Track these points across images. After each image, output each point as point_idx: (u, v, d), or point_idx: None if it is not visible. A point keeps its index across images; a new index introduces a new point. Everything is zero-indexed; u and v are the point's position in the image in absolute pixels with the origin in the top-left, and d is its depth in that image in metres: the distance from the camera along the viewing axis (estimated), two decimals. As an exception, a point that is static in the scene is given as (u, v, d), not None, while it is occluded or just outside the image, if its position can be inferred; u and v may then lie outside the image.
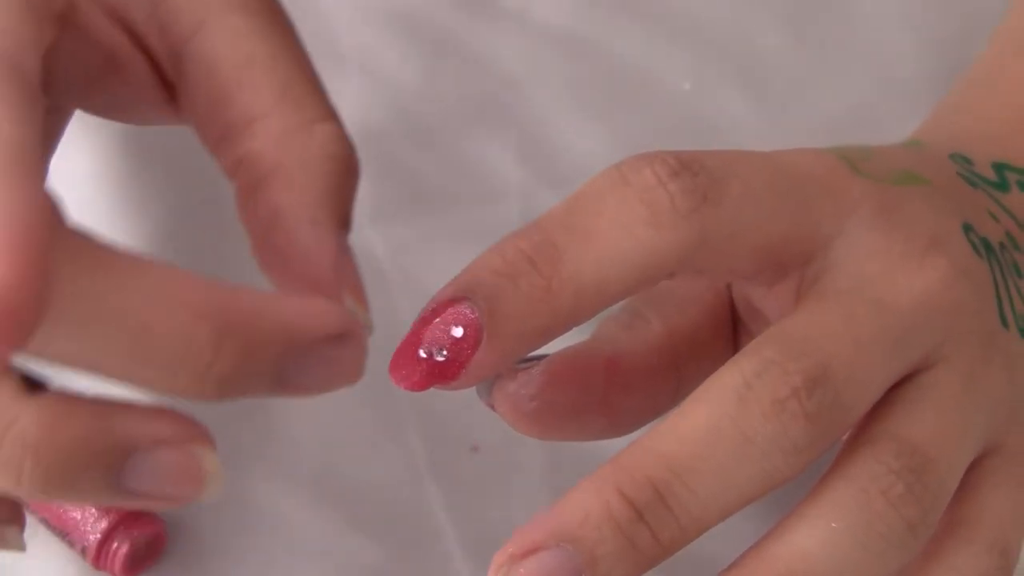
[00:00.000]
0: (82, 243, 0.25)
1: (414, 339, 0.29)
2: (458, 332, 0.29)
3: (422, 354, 0.29)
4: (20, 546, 0.28)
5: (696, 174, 0.30)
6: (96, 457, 0.25)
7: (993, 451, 0.32)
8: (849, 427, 0.29)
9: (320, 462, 0.40)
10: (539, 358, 0.32)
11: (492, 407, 0.32)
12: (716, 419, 0.28)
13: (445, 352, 0.29)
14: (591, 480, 0.28)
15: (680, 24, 0.50)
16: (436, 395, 0.41)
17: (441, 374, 0.29)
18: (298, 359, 0.26)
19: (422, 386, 0.29)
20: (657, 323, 0.35)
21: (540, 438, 0.33)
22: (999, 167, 0.38)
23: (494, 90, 0.48)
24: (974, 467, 0.31)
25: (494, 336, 0.29)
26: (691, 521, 0.27)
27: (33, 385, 0.25)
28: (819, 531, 0.28)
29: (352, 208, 0.30)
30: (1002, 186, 0.37)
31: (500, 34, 0.49)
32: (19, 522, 0.28)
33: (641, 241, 0.29)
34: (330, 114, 0.30)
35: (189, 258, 0.43)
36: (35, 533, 0.38)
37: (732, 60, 0.49)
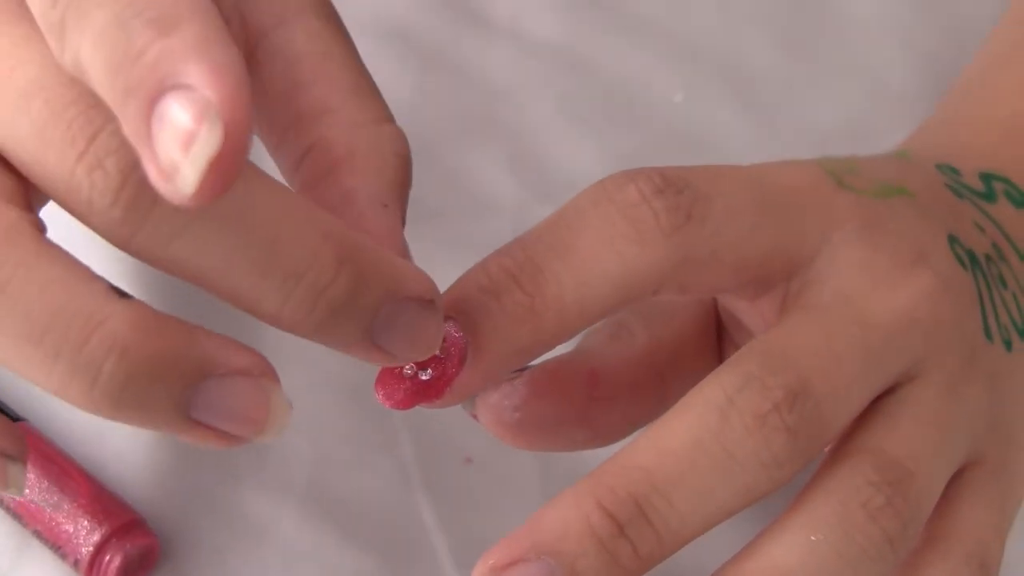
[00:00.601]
0: None
1: None
2: (443, 351, 0.29)
3: (407, 372, 0.29)
4: (20, 487, 0.27)
5: (680, 191, 0.30)
6: (176, 372, 0.25)
7: (973, 464, 0.32)
8: (830, 441, 0.29)
9: (313, 474, 0.40)
10: (522, 369, 0.32)
11: (475, 418, 0.32)
12: (698, 434, 0.28)
13: (430, 371, 0.29)
14: (572, 493, 0.28)
15: (671, 37, 0.50)
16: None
17: (425, 393, 0.29)
18: (390, 312, 0.26)
19: (406, 405, 0.29)
20: (642, 334, 0.35)
21: (523, 449, 0.33)
22: (986, 177, 0.38)
23: (486, 104, 0.48)
24: (954, 480, 0.32)
25: (478, 355, 0.29)
26: (671, 535, 0.28)
27: (120, 294, 0.25)
28: (798, 545, 0.28)
29: (407, 207, 0.30)
30: (989, 196, 0.37)
31: (492, 48, 0.49)
32: (24, 459, 0.27)
33: (624, 259, 0.29)
34: (392, 117, 0.31)
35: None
36: (28, 546, 0.38)
37: (724, 72, 0.50)
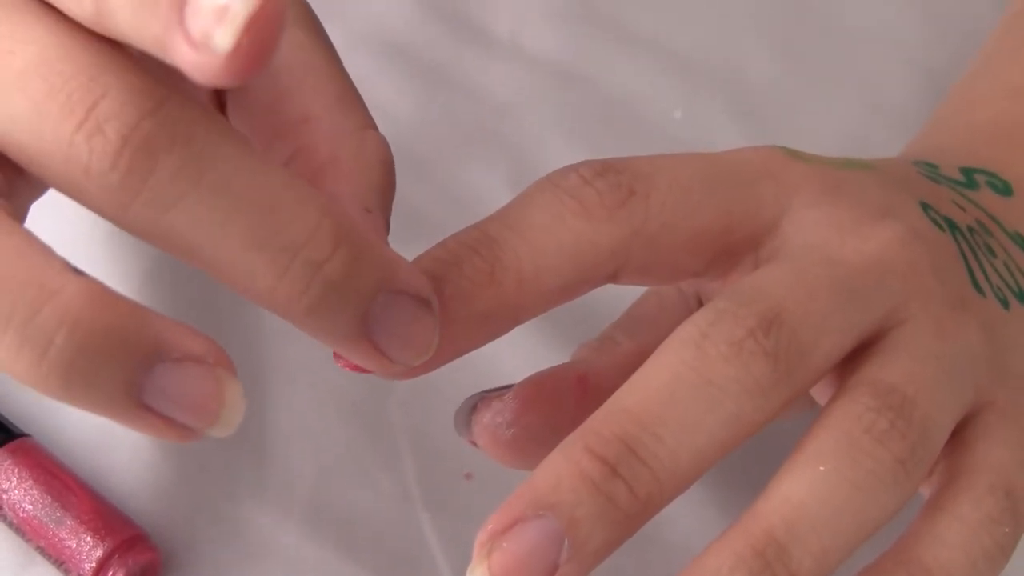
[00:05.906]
0: (229, 125, 0.26)
1: None
2: None
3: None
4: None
5: (620, 172, 0.30)
6: (128, 350, 0.24)
7: (984, 408, 0.31)
8: (815, 373, 0.29)
9: (314, 490, 0.40)
10: (509, 386, 0.33)
11: (474, 444, 0.33)
12: (675, 368, 0.28)
13: None
14: (561, 448, 0.27)
15: (671, 52, 0.50)
16: (430, 422, 0.42)
17: None
18: (385, 303, 0.26)
19: (368, 369, 0.29)
20: (627, 343, 0.36)
21: (523, 468, 0.32)
22: (967, 171, 0.38)
23: (486, 119, 0.48)
24: (968, 424, 0.31)
25: (442, 318, 0.29)
26: (665, 471, 0.27)
27: (76, 272, 0.25)
28: (807, 477, 0.28)
29: (390, 214, 0.30)
30: (970, 185, 0.37)
31: (492, 64, 0.49)
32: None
33: (574, 231, 0.30)
34: (375, 125, 0.31)
35: (187, 275, 0.43)
36: (31, 562, 0.38)
37: (723, 88, 0.50)
